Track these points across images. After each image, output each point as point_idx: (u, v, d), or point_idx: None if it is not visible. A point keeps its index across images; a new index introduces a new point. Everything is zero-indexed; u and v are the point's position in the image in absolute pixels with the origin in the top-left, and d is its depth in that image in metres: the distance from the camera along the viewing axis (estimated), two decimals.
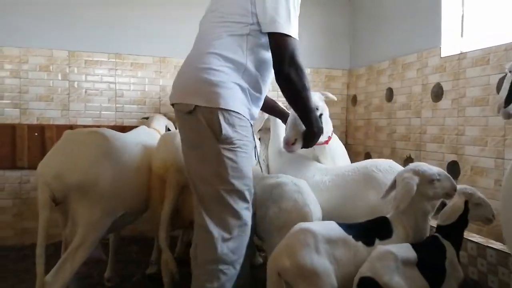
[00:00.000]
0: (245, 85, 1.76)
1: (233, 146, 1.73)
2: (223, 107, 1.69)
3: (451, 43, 3.23)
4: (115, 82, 3.91)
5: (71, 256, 2.03)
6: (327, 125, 2.45)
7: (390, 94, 3.86)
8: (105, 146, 2.21)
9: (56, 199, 2.04)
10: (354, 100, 4.50)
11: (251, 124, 1.84)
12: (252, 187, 1.86)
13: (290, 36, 1.73)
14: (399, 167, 2.17)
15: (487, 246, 2.17)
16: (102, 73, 3.88)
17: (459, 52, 3.07)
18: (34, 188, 3.57)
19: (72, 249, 2.03)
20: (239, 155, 1.75)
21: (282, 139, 2.19)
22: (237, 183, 1.75)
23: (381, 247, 1.64)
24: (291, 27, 1.73)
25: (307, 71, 4.43)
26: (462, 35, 3.22)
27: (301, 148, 2.07)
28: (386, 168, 2.17)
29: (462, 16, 3.22)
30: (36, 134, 3.65)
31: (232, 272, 1.78)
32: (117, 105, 3.89)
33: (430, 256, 1.69)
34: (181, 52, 3.90)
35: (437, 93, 3.25)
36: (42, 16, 3.67)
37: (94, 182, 2.07)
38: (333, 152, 2.60)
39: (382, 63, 3.99)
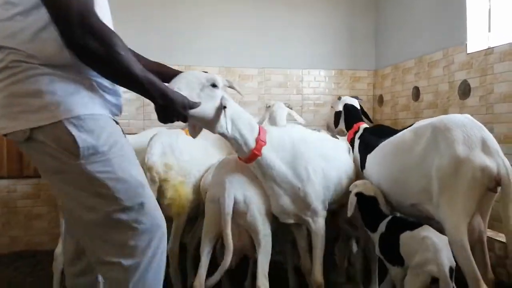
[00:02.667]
0: (74, 75, 1.35)
1: (100, 155, 1.37)
2: (68, 116, 1.32)
3: (478, 39, 3.13)
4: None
5: None
6: (240, 125, 2.02)
7: (416, 93, 3.77)
8: None
9: None
10: (380, 100, 4.43)
11: (115, 113, 1.50)
12: (143, 182, 1.48)
13: None
14: None
15: None
16: None
17: (486, 48, 2.98)
18: None
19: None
20: (114, 162, 1.39)
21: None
22: (124, 195, 1.40)
23: None
24: None
25: (331, 73, 4.48)
26: (489, 30, 3.11)
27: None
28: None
29: (489, 10, 3.12)
30: None
31: None
32: (144, 113, 4.02)
33: None
34: (204, 61, 4.15)
35: (464, 90, 3.15)
36: None
37: None
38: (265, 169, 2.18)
39: (408, 62, 3.91)
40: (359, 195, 2.27)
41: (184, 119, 1.62)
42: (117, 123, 1.51)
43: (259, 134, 2.11)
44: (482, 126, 1.97)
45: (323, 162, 2.34)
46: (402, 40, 4.05)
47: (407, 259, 2.00)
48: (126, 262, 1.41)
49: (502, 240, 2.17)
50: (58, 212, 3.73)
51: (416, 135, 2.18)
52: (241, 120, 2.04)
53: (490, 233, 2.23)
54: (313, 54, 4.46)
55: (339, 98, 3.34)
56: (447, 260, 1.85)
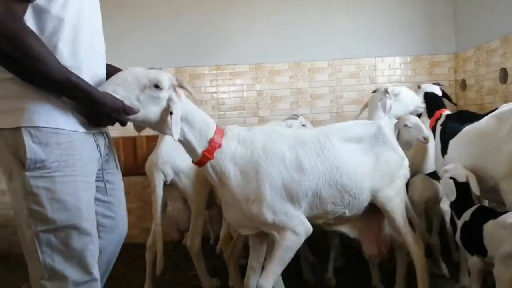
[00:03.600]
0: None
1: (47, 171, 1.33)
2: (28, 125, 1.31)
3: None
4: (217, 91, 4.20)
5: None
6: (192, 127, 1.84)
7: (504, 75, 3.49)
8: None
9: None
10: (463, 85, 4.16)
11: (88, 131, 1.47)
12: (87, 219, 1.44)
13: None
14: None
15: None
16: (205, 84, 4.20)
17: None
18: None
19: None
20: (58, 180, 1.35)
21: None
22: (60, 219, 1.36)
23: None
24: None
25: (407, 59, 4.29)
26: None
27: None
28: None
29: None
30: (153, 143, 4.09)
31: None
32: (219, 112, 4.18)
33: None
34: (275, 57, 4.22)
35: None
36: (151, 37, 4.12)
37: None
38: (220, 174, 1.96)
39: (492, 42, 3.62)
40: (453, 179, 2.16)
41: (121, 123, 1.54)
42: (107, 136, 1.59)
43: (214, 135, 1.90)
44: None
45: (287, 173, 1.99)
46: (485, 19, 3.76)
47: (491, 249, 1.91)
48: (51, 285, 1.39)
49: None
50: (147, 207, 4.06)
51: (498, 120, 2.16)
52: (195, 120, 1.85)
53: None
54: (387, 40, 4.31)
55: (419, 87, 3.24)
56: None
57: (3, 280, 3.42)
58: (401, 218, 2.32)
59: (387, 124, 2.86)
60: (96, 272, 1.48)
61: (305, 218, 2.05)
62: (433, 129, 2.94)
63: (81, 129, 1.44)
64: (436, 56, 4.30)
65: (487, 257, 1.95)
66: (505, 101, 3.44)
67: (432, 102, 3.07)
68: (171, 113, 1.66)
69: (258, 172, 1.94)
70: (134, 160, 4.10)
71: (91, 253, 1.46)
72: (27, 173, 1.32)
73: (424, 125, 2.94)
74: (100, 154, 1.56)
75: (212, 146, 1.89)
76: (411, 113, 3.06)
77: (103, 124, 1.52)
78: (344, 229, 2.39)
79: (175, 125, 1.66)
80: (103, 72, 1.61)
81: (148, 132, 4.00)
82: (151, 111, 1.64)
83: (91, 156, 1.50)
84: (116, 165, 1.74)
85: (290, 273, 2.37)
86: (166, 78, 1.66)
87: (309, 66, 4.30)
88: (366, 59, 4.31)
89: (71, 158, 1.39)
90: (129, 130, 4.05)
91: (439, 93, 3.12)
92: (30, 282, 1.45)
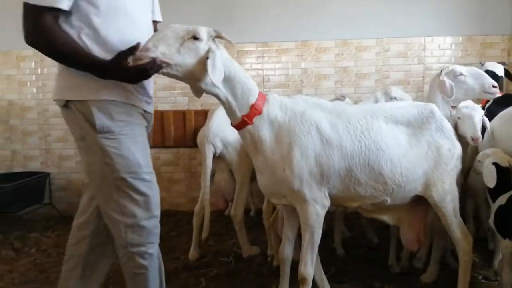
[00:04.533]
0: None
1: (112, 134, 1.74)
2: (94, 98, 1.71)
3: None
4: (262, 68, 4.31)
5: None
6: (233, 84, 1.88)
7: None
8: None
9: None
10: None
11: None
12: (147, 172, 1.82)
13: (27, 3, 1.59)
14: None
15: None
16: (251, 61, 4.32)
17: None
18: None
19: None
20: (122, 141, 1.75)
21: None
22: (123, 171, 1.75)
23: None
24: None
25: (458, 39, 4.18)
26: None
27: None
28: None
29: None
30: (201, 118, 4.30)
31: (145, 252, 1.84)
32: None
33: None
34: (321, 35, 4.23)
35: None
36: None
37: None
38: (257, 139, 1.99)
39: None
40: (495, 165, 2.15)
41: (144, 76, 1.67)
42: (146, 112, 1.88)
43: (256, 100, 1.92)
44: None
45: (322, 146, 1.98)
46: None
47: None
48: (126, 220, 1.79)
49: None
50: (194, 178, 4.32)
51: None
52: (236, 79, 1.87)
53: None
54: (437, 19, 4.20)
55: (482, 64, 3.14)
56: None
57: (65, 238, 3.79)
58: (452, 213, 2.21)
59: (445, 109, 2.59)
60: (156, 211, 1.87)
61: (327, 195, 2.05)
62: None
63: (132, 102, 1.80)
64: (489, 36, 4.15)
65: None
66: None
67: None
68: (207, 59, 1.73)
69: (291, 140, 1.94)
70: (183, 133, 4.33)
71: (152, 196, 1.85)
72: (99, 135, 1.72)
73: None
74: (148, 122, 1.94)
75: (253, 111, 1.91)
76: (479, 98, 2.80)
77: (136, 81, 1.75)
78: (384, 217, 2.28)
79: (213, 66, 1.72)
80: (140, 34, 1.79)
81: (196, 107, 4.26)
82: (190, 62, 1.73)
83: (142, 123, 1.87)
84: (149, 138, 2.00)
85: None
86: (204, 29, 1.76)
87: (356, 44, 4.29)
88: (415, 38, 4.24)
89: (129, 123, 1.78)
90: (180, 104, 4.32)
91: (501, 73, 3.00)
92: (106, 220, 1.87)
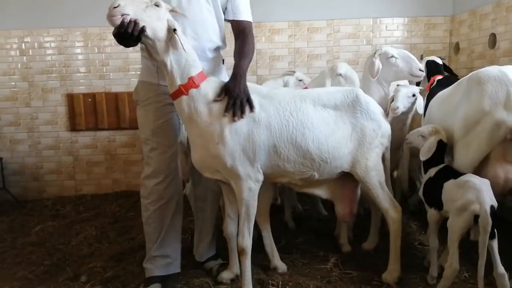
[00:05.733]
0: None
1: (139, 105, 2.39)
2: (139, 79, 2.44)
3: None
4: None
5: None
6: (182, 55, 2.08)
7: (493, 40, 3.60)
8: None
9: None
10: (456, 48, 4.26)
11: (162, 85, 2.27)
12: (149, 137, 2.32)
13: None
14: None
15: None
16: None
17: None
18: None
19: None
20: (139, 112, 2.39)
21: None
22: (141, 132, 2.40)
23: None
24: None
25: (404, 21, 4.36)
26: None
27: None
28: None
29: None
30: None
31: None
32: None
33: None
34: (274, 16, 4.30)
35: None
36: None
37: None
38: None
39: (486, 7, 3.70)
40: (439, 142, 2.30)
41: (136, 41, 1.93)
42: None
43: (196, 75, 2.09)
44: None
45: (253, 124, 2.12)
46: None
47: (447, 205, 2.15)
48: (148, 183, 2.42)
49: None
50: None
51: (458, 85, 2.39)
52: (182, 53, 2.05)
53: None
54: (385, 1, 4.38)
55: (422, 58, 3.35)
56: (489, 199, 1.97)
57: (20, 222, 3.78)
58: (378, 186, 2.37)
59: (378, 90, 2.87)
60: (168, 172, 2.38)
61: (260, 170, 2.18)
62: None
63: (160, 83, 2.33)
64: (433, 18, 4.37)
65: (442, 210, 2.20)
66: (491, 65, 3.57)
67: (431, 70, 3.14)
68: (174, 30, 1.98)
69: (222, 119, 2.08)
70: None
71: (169, 158, 2.38)
72: (137, 105, 2.44)
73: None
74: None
75: (190, 83, 2.08)
76: (404, 80, 3.06)
77: (128, 45, 1.98)
78: (315, 191, 2.45)
79: (182, 38, 2.01)
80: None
81: None
82: (158, 27, 1.96)
83: (169, 99, 2.24)
84: None
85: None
86: (161, 0, 2.02)
87: (308, 25, 4.41)
88: (364, 20, 4.39)
89: (149, 99, 2.35)
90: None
91: (440, 62, 3.20)
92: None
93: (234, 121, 2.08)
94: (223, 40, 2.46)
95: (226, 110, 2.07)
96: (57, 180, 4.52)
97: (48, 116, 4.42)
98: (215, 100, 2.11)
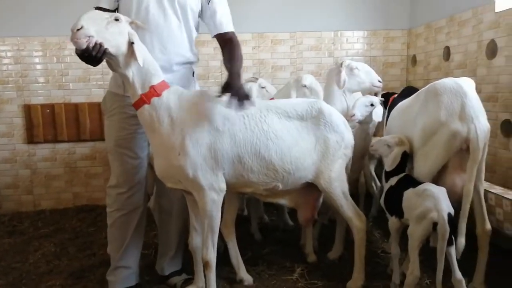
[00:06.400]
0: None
1: (106, 117, 2.43)
2: (108, 89, 2.46)
3: None
4: None
5: None
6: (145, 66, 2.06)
7: (447, 53, 3.77)
8: None
9: None
10: (414, 60, 4.43)
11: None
12: (112, 148, 2.36)
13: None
14: None
15: (503, 196, 2.44)
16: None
17: None
18: None
19: None
20: (106, 123, 2.42)
21: None
22: (106, 143, 2.44)
23: None
24: None
25: (364, 34, 4.50)
26: None
27: None
28: None
29: None
30: None
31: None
32: None
33: None
34: (238, 27, 4.30)
35: (492, 50, 3.14)
36: None
37: None
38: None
39: (440, 21, 3.88)
40: (404, 153, 2.35)
41: (97, 60, 1.90)
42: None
43: (158, 84, 2.07)
44: (467, 91, 2.16)
45: (215, 134, 2.11)
46: None
47: (407, 213, 2.21)
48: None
49: (494, 191, 2.55)
50: None
51: (417, 96, 2.47)
52: (147, 62, 2.05)
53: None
54: (345, 15, 4.49)
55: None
56: (446, 207, 2.04)
57: None
58: (341, 196, 2.40)
59: (340, 100, 2.99)
60: (131, 183, 2.39)
61: (223, 178, 2.17)
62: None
63: (124, 93, 2.31)
64: (391, 31, 4.53)
65: (403, 218, 2.26)
66: (446, 77, 3.73)
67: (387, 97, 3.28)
68: (132, 43, 1.98)
69: (184, 130, 2.07)
70: (100, 126, 4.20)
71: (133, 170, 2.39)
72: (105, 116, 2.48)
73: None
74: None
75: (151, 92, 2.06)
76: (366, 91, 3.17)
77: (91, 65, 1.95)
78: (280, 201, 2.47)
79: (139, 51, 1.99)
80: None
81: None
82: (120, 42, 1.96)
83: (123, 112, 2.34)
84: None
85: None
86: (121, 15, 2.02)
87: (272, 37, 4.46)
88: (326, 33, 4.49)
89: (115, 110, 2.36)
90: (95, 96, 4.17)
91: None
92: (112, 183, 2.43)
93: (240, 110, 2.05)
94: (195, 54, 2.45)
95: (229, 104, 2.00)
96: (14, 195, 4.32)
97: (4, 128, 4.23)
98: (216, 97, 2.10)
